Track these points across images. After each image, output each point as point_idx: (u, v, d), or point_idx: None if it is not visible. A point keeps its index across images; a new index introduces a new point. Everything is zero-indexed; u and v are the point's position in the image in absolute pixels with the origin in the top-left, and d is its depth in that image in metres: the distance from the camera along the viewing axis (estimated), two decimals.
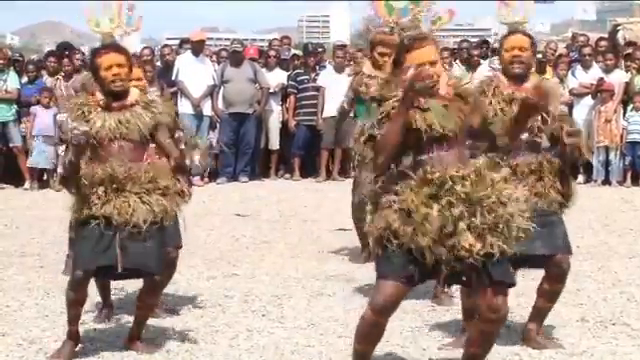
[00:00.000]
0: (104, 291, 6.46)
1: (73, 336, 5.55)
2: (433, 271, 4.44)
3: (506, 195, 4.45)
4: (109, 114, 5.43)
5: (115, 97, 5.46)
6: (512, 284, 4.56)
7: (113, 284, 6.51)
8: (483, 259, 4.39)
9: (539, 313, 5.69)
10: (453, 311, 6.31)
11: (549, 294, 5.64)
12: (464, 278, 4.51)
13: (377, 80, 7.04)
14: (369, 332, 4.62)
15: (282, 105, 14.52)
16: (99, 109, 5.45)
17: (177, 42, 16.26)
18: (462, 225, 4.37)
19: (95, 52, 5.58)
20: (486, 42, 15.43)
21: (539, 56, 14.07)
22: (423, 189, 4.41)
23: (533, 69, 5.74)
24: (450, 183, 4.40)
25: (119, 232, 5.32)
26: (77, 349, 5.57)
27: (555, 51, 14.97)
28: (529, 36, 5.65)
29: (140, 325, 5.71)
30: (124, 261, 5.35)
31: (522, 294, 6.55)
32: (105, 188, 5.34)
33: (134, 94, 5.52)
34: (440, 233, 4.36)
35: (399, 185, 4.46)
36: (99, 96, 5.49)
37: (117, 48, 5.59)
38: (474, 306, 4.77)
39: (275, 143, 14.52)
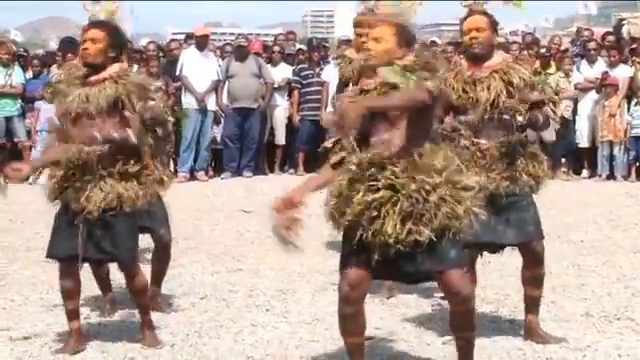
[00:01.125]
0: (103, 286, 6.45)
1: (75, 333, 5.55)
2: (387, 264, 4.44)
3: (431, 184, 4.42)
4: (83, 89, 5.44)
5: (91, 71, 5.47)
6: (459, 266, 4.51)
7: (114, 280, 6.52)
8: (412, 247, 4.38)
9: (532, 302, 5.68)
10: None
11: (533, 281, 5.63)
12: (402, 270, 4.50)
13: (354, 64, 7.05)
14: (346, 323, 4.65)
15: (289, 100, 14.52)
16: (79, 83, 5.48)
17: (182, 37, 16.26)
18: (384, 210, 4.39)
19: (83, 29, 5.61)
20: None
21: (542, 51, 14.09)
22: (351, 172, 4.47)
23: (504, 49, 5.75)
24: (377, 168, 4.43)
25: (82, 219, 5.32)
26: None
27: (560, 46, 14.95)
28: (487, 15, 5.58)
29: (142, 313, 5.69)
30: (89, 251, 5.37)
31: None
32: (64, 172, 5.36)
33: (111, 69, 5.47)
34: (361, 216, 4.40)
35: (340, 169, 4.55)
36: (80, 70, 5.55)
37: (99, 24, 5.57)
38: None
39: (281, 138, 14.52)
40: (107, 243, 5.38)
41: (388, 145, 4.49)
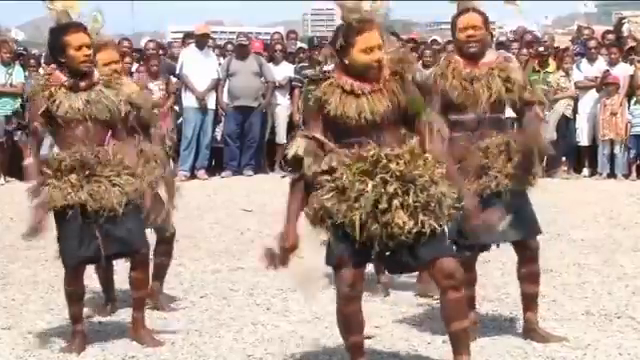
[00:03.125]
0: (108, 286, 6.47)
1: (80, 334, 5.55)
2: (368, 252, 4.48)
3: (438, 174, 4.51)
4: (75, 94, 5.40)
5: (80, 77, 5.42)
6: (451, 255, 4.61)
7: (116, 278, 6.52)
8: (414, 237, 4.43)
9: (530, 299, 5.65)
10: None
11: (530, 277, 5.61)
12: (399, 260, 4.54)
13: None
14: (348, 322, 4.66)
15: (290, 99, 14.51)
16: (63, 89, 5.41)
17: (181, 35, 16.27)
18: (396, 202, 4.41)
19: (64, 29, 5.44)
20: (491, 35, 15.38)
21: (541, 49, 14.08)
22: (357, 165, 4.46)
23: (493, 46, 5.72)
24: (385, 161, 4.45)
25: (97, 219, 5.31)
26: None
27: (553, 41, 15.00)
28: (481, 13, 5.52)
29: (140, 309, 5.67)
30: (108, 248, 5.36)
31: None
32: (77, 175, 5.32)
33: (96, 73, 5.50)
34: (374, 209, 4.40)
35: (332, 163, 4.50)
36: (61, 76, 5.44)
37: (84, 28, 5.50)
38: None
39: (283, 137, 14.51)
40: (125, 237, 5.38)
41: (378, 141, 4.52)
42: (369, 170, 4.46)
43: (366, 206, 4.41)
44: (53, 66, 5.57)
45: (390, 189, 4.42)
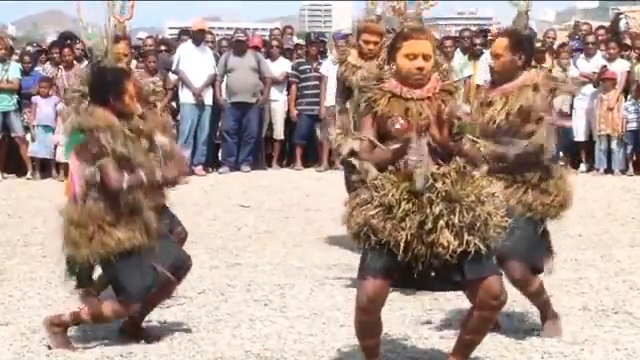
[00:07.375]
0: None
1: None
2: (411, 273, 4.45)
3: (485, 193, 4.50)
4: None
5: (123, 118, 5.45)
6: (498, 274, 4.60)
7: None
8: (459, 256, 4.41)
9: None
10: (455, 300, 6.31)
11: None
12: (448, 278, 4.51)
13: (361, 69, 7.06)
14: (365, 329, 4.66)
15: (288, 95, 14.51)
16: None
17: (178, 31, 16.27)
18: (441, 223, 4.39)
19: (125, 75, 5.52)
20: (487, 30, 15.38)
21: (538, 45, 14.06)
22: (404, 184, 4.43)
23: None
24: (431, 180, 4.41)
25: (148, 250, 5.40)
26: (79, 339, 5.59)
27: (554, 39, 14.96)
28: (510, 36, 5.48)
29: (150, 312, 5.75)
30: (166, 267, 5.46)
31: None
32: (134, 217, 5.37)
33: (135, 118, 5.54)
34: (419, 229, 4.38)
35: (378, 179, 4.48)
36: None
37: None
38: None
39: (280, 133, 14.51)
40: (174, 254, 5.57)
41: (424, 152, 4.51)
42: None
43: (412, 227, 4.38)
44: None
45: (436, 210, 4.38)
